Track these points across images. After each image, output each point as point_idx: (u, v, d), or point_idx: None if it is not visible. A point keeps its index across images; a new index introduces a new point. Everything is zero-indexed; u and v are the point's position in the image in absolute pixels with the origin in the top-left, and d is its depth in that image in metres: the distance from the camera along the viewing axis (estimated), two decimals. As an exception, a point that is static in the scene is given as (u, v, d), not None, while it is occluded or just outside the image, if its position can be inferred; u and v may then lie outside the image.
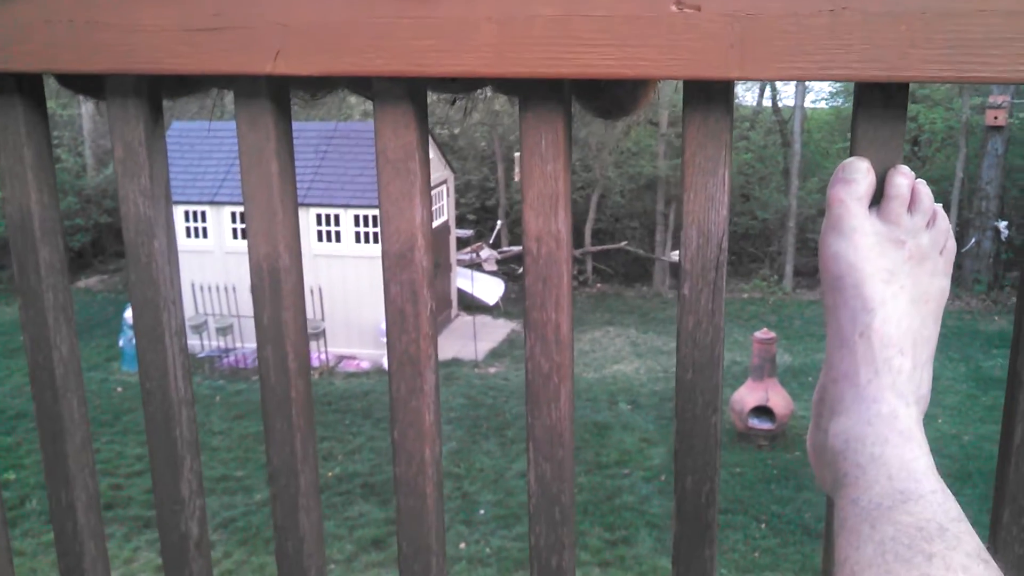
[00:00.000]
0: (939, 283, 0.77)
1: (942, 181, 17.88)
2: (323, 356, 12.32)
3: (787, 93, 20.65)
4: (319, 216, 12.77)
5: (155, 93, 0.97)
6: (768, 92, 21.45)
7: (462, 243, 16.61)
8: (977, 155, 17.39)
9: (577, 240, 18.36)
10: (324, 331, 12.55)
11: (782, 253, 17.86)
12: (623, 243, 18.17)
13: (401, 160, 0.88)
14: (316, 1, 0.82)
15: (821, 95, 22.08)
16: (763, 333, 9.18)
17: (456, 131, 18.86)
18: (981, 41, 0.70)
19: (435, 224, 14.57)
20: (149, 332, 0.99)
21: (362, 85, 0.98)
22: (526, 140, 0.86)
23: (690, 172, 0.83)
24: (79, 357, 1.09)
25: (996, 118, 16.15)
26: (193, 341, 12.26)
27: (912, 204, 0.76)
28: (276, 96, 0.92)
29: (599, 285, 17.88)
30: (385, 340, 0.94)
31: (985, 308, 15.50)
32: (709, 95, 0.81)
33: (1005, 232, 16.69)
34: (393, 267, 0.91)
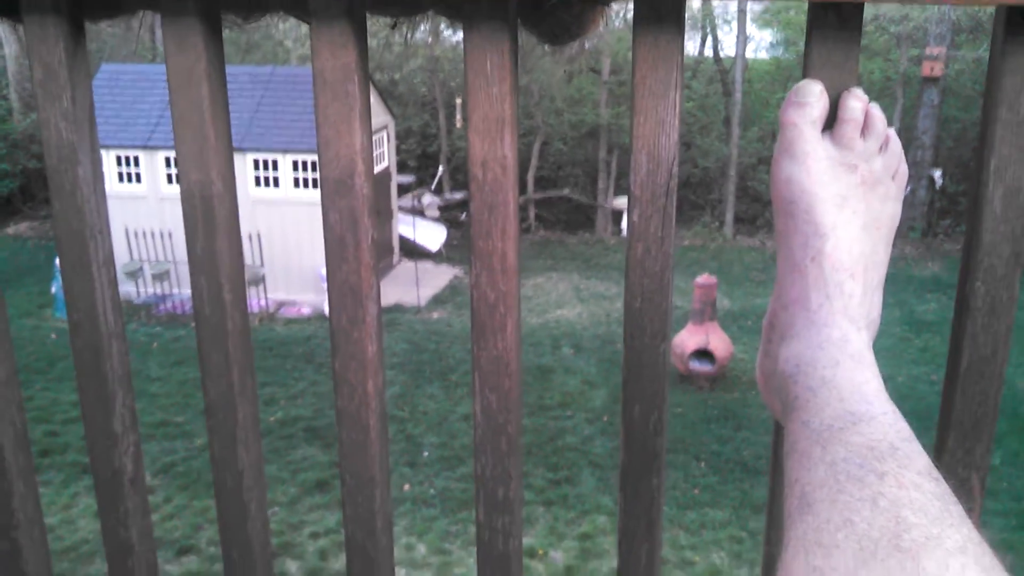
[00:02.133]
0: (891, 208, 0.76)
1: (879, 129, 18.09)
2: (263, 302, 12.17)
3: (728, 43, 20.68)
4: (256, 161, 12.52)
5: (75, 12, 0.91)
6: (710, 42, 21.45)
7: (403, 189, 16.44)
8: (914, 106, 17.62)
9: (520, 188, 18.19)
10: (264, 277, 12.38)
11: (723, 201, 18.01)
12: (565, 190, 18.16)
13: (339, 82, 0.84)
14: None
15: (762, 45, 22.16)
16: (704, 278, 9.28)
17: (396, 76, 18.56)
18: (938, -42, 0.68)
19: (376, 170, 14.40)
20: (75, 263, 0.95)
21: (298, 6, 0.93)
22: (471, 62, 0.82)
23: (640, 95, 0.80)
24: (-1, 292, 1.04)
25: (932, 69, 16.35)
26: (128, 288, 12.02)
27: (865, 128, 0.75)
28: (205, 15, 0.87)
29: (542, 232, 17.88)
30: (326, 286, 0.90)
31: (919, 255, 15.83)
32: (660, 14, 0.78)
33: (940, 181, 17.02)
34: (332, 194, 0.87)
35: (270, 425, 8.25)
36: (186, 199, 0.90)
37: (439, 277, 13.89)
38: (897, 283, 13.36)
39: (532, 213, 18.09)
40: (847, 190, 0.74)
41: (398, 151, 15.91)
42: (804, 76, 0.77)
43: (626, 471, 0.88)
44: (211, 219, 0.90)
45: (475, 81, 0.83)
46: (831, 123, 0.75)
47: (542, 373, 9.76)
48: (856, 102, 0.75)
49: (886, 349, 10.42)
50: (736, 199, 17.65)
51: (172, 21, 0.87)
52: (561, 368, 9.96)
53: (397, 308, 12.33)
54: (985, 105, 0.78)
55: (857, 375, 0.64)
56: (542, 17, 0.92)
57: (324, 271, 0.90)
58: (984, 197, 0.78)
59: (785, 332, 0.72)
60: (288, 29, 17.02)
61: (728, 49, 20.78)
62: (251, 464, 0.98)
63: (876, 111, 0.75)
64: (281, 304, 12.44)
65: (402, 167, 16.90)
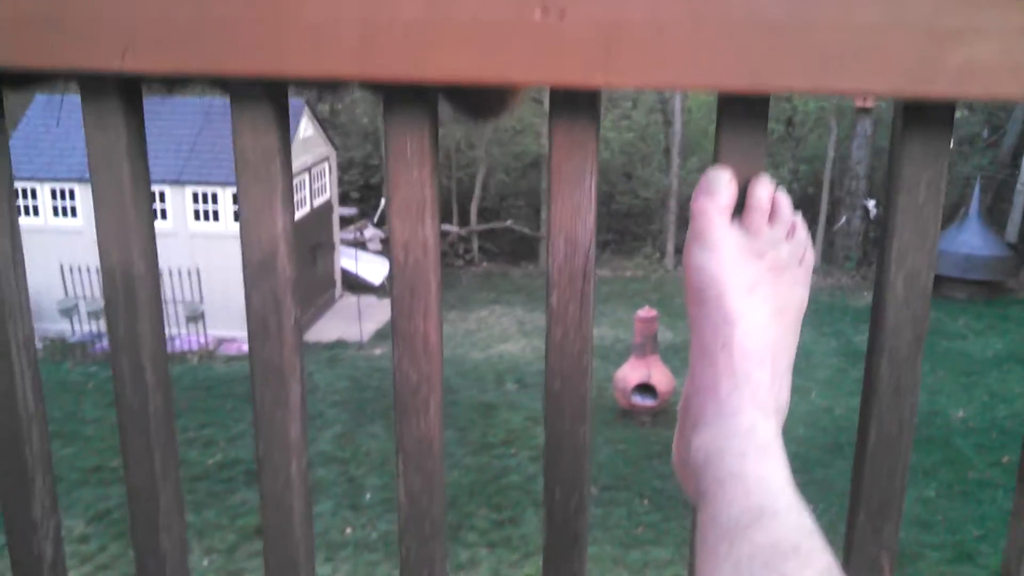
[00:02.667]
0: (798, 293, 0.79)
1: (815, 160, 18.54)
2: (202, 339, 12.00)
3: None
4: (196, 195, 12.38)
5: None
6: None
7: (345, 222, 16.38)
8: (848, 136, 18.07)
9: (463, 219, 18.32)
10: (203, 314, 12.23)
11: (663, 231, 18.23)
12: (508, 221, 18.23)
13: (261, 164, 0.85)
14: None
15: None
16: (645, 312, 9.36)
17: (338, 107, 18.55)
18: (841, 53, 0.71)
19: (317, 203, 14.32)
20: None
21: (219, 85, 0.93)
22: (391, 145, 0.83)
23: (556, 182, 0.82)
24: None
25: (864, 100, 16.75)
26: (63, 325, 11.77)
27: (772, 215, 0.77)
28: (126, 92, 0.86)
29: (485, 264, 17.91)
30: None
31: (855, 284, 16.16)
32: (575, 103, 0.80)
33: (874, 211, 17.43)
34: (254, 276, 0.87)
35: (208, 468, 8.10)
36: (107, 280, 0.89)
37: (382, 311, 13.81)
38: (834, 313, 13.61)
39: (475, 245, 18.13)
40: (756, 277, 0.76)
41: (340, 182, 15.85)
42: (714, 161, 0.80)
43: (548, 552, 0.89)
44: (133, 300, 0.89)
45: (395, 165, 0.84)
46: (741, 208, 0.77)
47: (486, 409, 9.73)
48: (763, 190, 0.77)
49: (824, 380, 10.59)
50: (677, 229, 17.87)
51: (92, 99, 0.86)
52: (505, 404, 9.95)
53: (339, 344, 12.24)
54: (887, 192, 0.80)
55: (764, 467, 0.66)
56: (463, 97, 0.94)
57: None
58: (887, 282, 0.80)
59: (697, 419, 0.74)
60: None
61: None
62: (173, 548, 0.96)
63: (782, 198, 0.78)
64: (221, 341, 12.27)
65: (344, 199, 16.84)
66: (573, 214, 0.83)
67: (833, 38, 0.71)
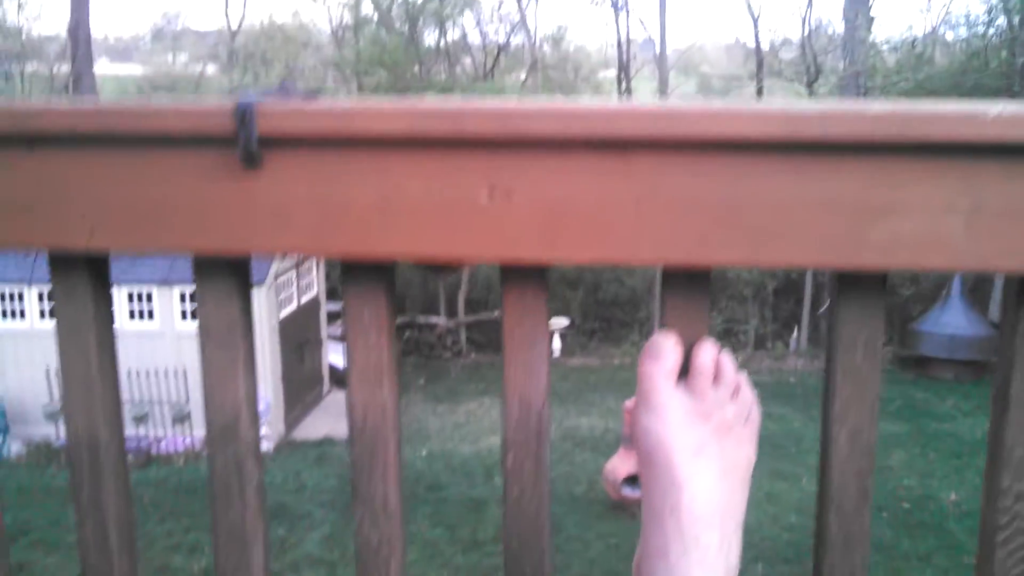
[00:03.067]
0: (745, 452, 0.81)
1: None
2: (188, 440, 11.88)
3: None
4: (183, 294, 12.41)
5: None
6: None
7: (333, 317, 16.38)
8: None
9: (450, 310, 18.36)
10: (189, 414, 12.13)
11: (650, 318, 18.29)
12: (496, 312, 18.28)
13: (224, 333, 0.87)
14: (133, 179, 0.81)
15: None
16: (633, 402, 9.30)
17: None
18: (774, 230, 0.75)
19: (305, 299, 14.35)
20: None
21: None
22: (349, 312, 0.86)
23: (509, 346, 0.85)
24: None
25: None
26: (48, 430, 11.66)
27: (717, 377, 0.80)
28: (94, 266, 0.90)
29: (473, 355, 17.90)
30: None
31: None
32: (525, 274, 0.83)
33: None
34: (217, 440, 0.89)
35: (194, 575, 7.94)
36: (72, 447, 0.91)
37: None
38: (808, 397, 13.55)
39: (463, 336, 18.14)
40: (702, 439, 0.78)
41: (328, 277, 15.91)
42: (660, 325, 0.83)
43: None
44: (97, 468, 0.91)
45: (353, 331, 0.86)
46: (687, 370, 0.80)
47: (475, 505, 9.61)
48: (707, 354, 0.80)
49: (814, 466, 10.45)
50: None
51: (61, 273, 0.89)
52: (495, 499, 9.82)
53: (327, 441, 12.13)
54: (827, 353, 0.84)
55: None
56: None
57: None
58: (830, 438, 0.83)
59: None
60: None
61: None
62: None
63: (726, 360, 0.81)
64: (208, 440, 12.15)
65: (331, 294, 16.85)
66: (526, 376, 0.85)
67: (765, 216, 0.74)
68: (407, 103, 0.77)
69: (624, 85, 21.75)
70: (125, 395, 12.57)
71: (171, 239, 0.82)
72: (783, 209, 0.74)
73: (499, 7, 21.98)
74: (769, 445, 9.35)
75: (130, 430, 11.41)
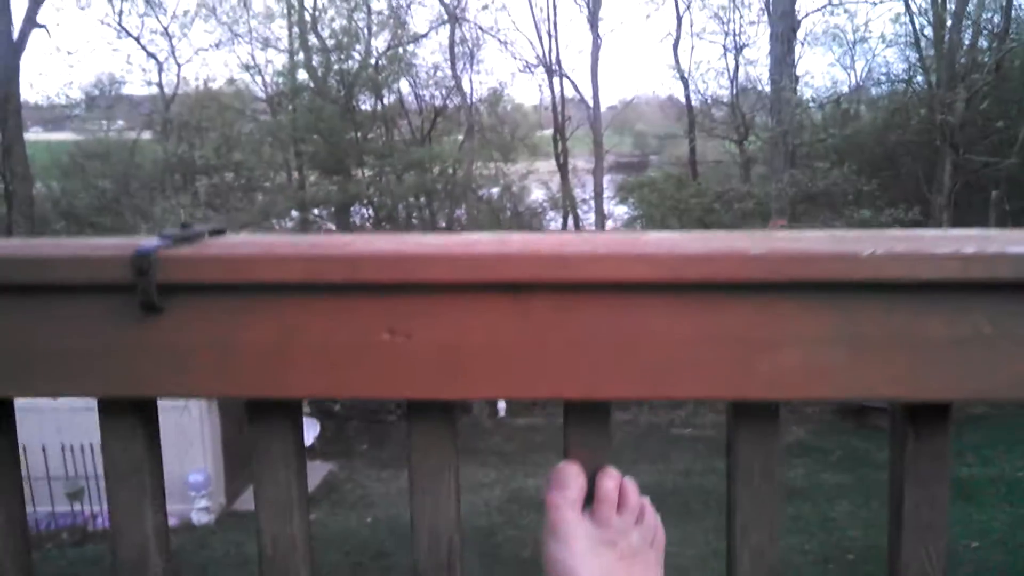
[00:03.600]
0: (652, 575, 0.82)
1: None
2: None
3: (588, 220, 21.64)
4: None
5: None
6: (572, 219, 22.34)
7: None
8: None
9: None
10: (83, 488, 11.80)
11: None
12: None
13: (129, 474, 0.87)
14: (32, 326, 0.81)
15: (621, 218, 23.21)
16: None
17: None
18: (666, 365, 0.77)
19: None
20: None
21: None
22: (257, 447, 0.87)
23: (417, 477, 0.86)
24: None
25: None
26: None
27: (620, 504, 0.82)
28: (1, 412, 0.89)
29: (417, 417, 17.70)
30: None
31: (783, 417, 16.34)
32: (430, 408, 0.85)
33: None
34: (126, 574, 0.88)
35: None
36: None
37: (312, 474, 13.51)
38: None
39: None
40: (608, 566, 0.80)
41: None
42: (564, 456, 0.84)
43: None
44: None
45: (261, 465, 0.87)
46: (592, 498, 0.82)
47: (421, 573, 9.47)
48: (610, 481, 0.82)
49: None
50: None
51: None
52: (441, 565, 9.70)
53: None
54: (727, 478, 0.86)
55: None
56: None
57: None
58: (734, 557, 0.85)
59: None
60: (150, 229, 16.94)
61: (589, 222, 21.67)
62: None
63: (629, 486, 0.83)
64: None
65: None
66: (434, 508, 0.86)
67: (658, 352, 0.77)
68: (306, 246, 0.79)
69: (560, 146, 22.08)
70: (59, 471, 12.19)
71: (73, 384, 0.82)
72: (674, 345, 0.77)
73: (434, 72, 22.23)
74: (715, 501, 9.38)
75: (65, 507, 11.07)
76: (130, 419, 0.86)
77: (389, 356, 0.79)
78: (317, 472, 13.55)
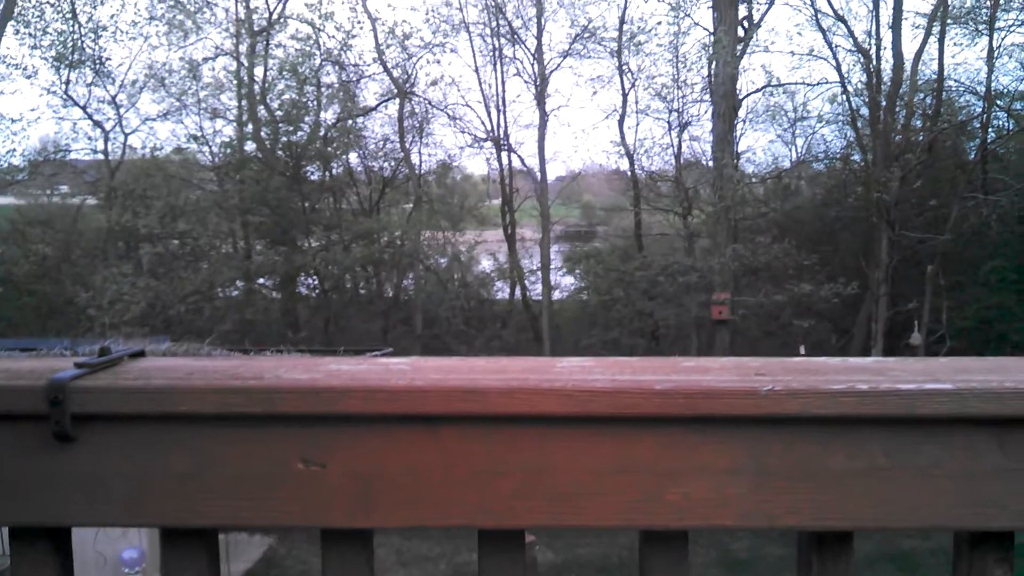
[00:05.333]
0: None
1: (680, 371, 19.14)
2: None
3: (535, 290, 21.78)
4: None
5: None
6: (519, 289, 22.45)
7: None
8: (708, 345, 18.82)
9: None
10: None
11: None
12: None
13: None
14: None
15: (568, 286, 23.38)
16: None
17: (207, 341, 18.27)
18: (576, 493, 0.79)
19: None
20: None
21: None
22: (170, 574, 0.86)
23: None
24: None
25: (720, 313, 17.67)
26: None
27: None
28: None
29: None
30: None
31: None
32: (345, 536, 0.85)
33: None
34: None
35: None
36: None
37: (251, 550, 13.20)
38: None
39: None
40: None
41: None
42: (482, 583, 0.85)
43: None
44: None
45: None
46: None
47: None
48: None
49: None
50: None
51: None
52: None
53: None
54: None
55: None
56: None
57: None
58: None
59: None
60: (90, 297, 16.67)
61: (535, 295, 21.77)
62: None
63: None
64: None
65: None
66: None
67: (568, 482, 0.79)
68: (223, 375, 0.80)
69: (508, 218, 22.28)
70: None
71: None
72: (584, 475, 0.79)
73: (384, 144, 22.39)
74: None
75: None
76: (42, 546, 0.85)
77: (304, 485, 0.79)
78: (256, 548, 13.23)
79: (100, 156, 21.01)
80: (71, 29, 19.69)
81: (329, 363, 0.86)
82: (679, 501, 0.79)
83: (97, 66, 20.13)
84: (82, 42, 19.82)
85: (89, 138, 20.94)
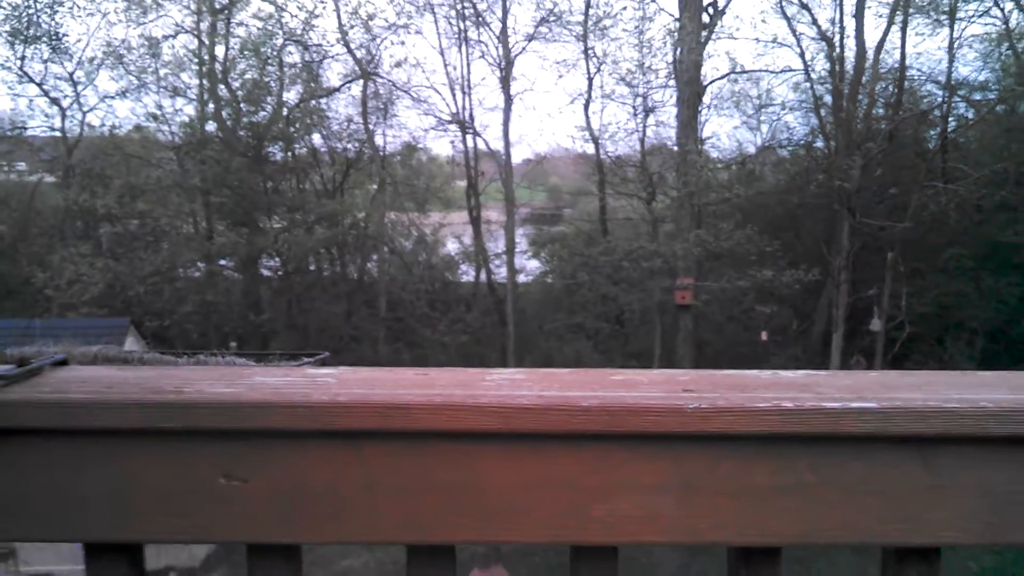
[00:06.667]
0: None
1: (642, 355, 19.29)
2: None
3: (500, 273, 21.76)
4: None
5: None
6: (484, 272, 22.43)
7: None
8: (671, 330, 18.95)
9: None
10: (15, 550, 11.28)
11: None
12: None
13: None
14: None
15: (533, 270, 23.39)
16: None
17: (166, 323, 18.09)
18: (504, 509, 0.78)
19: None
20: None
21: None
22: (90, 575, 0.85)
23: None
24: None
25: (684, 298, 17.78)
26: None
27: None
28: None
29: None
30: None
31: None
32: (270, 552, 0.84)
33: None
34: None
35: None
36: None
37: (197, 548, 13.10)
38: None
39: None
40: None
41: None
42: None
43: None
44: None
45: None
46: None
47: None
48: None
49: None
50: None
51: None
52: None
53: (169, 569, 11.49)
54: None
55: None
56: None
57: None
58: None
59: None
60: (48, 278, 16.41)
61: (500, 278, 21.76)
62: None
63: None
64: (33, 580, 11.30)
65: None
66: None
67: (494, 497, 0.78)
68: (144, 389, 0.78)
69: (473, 200, 22.22)
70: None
71: None
72: (511, 490, 0.78)
73: (347, 125, 22.19)
74: None
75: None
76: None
77: (226, 501, 0.78)
78: (201, 547, 13.15)
79: (58, 134, 20.66)
80: (26, 3, 19.29)
81: (255, 374, 0.84)
82: (606, 517, 0.78)
83: (54, 42, 19.75)
84: (38, 17, 19.43)
85: (46, 115, 20.57)
